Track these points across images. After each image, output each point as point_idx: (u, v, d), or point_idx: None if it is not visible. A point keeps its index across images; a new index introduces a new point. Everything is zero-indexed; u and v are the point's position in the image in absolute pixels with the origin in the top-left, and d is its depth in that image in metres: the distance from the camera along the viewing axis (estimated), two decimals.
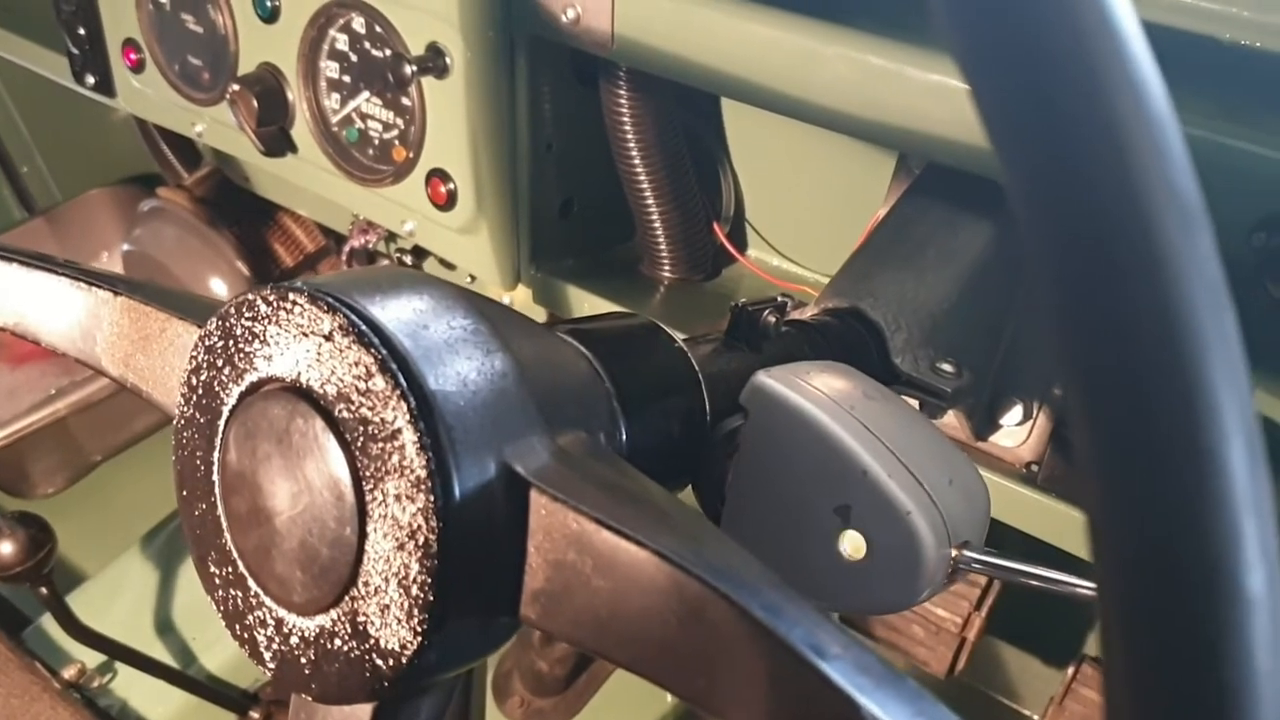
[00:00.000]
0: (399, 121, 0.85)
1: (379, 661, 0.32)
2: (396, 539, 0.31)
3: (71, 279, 0.44)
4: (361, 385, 0.31)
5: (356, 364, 0.31)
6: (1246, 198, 0.52)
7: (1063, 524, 0.69)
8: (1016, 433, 0.74)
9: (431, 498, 0.30)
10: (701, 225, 0.90)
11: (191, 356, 0.36)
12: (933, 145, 0.61)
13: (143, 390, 0.42)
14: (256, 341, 0.34)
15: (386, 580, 0.31)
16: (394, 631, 0.31)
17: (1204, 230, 0.19)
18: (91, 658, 1.22)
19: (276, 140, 0.92)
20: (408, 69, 0.77)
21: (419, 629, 0.31)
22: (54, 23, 1.09)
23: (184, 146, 1.45)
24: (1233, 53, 0.59)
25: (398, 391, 0.31)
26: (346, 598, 0.32)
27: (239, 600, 0.36)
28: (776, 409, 0.42)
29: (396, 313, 0.32)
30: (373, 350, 0.31)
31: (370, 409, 0.31)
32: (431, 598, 0.31)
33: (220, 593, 0.36)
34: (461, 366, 0.32)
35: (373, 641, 0.32)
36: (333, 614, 0.33)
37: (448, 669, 0.34)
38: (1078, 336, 0.20)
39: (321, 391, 0.32)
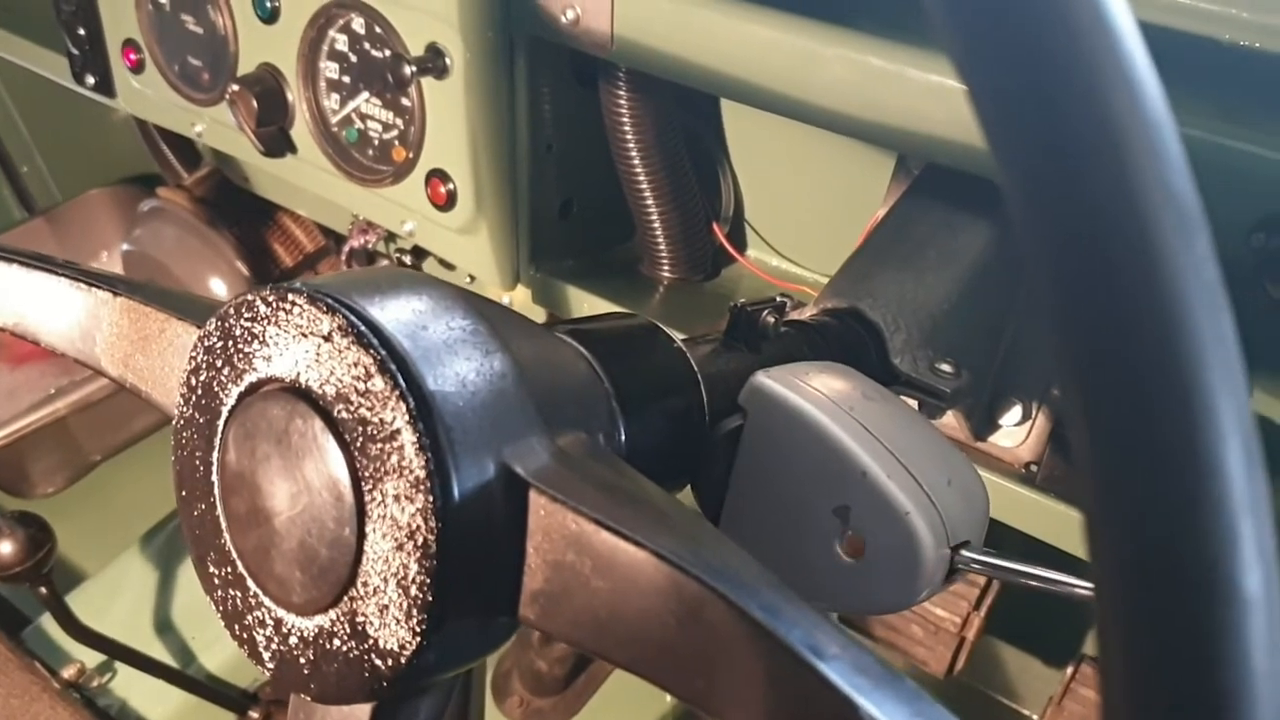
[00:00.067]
0: (399, 122, 0.85)
1: (378, 661, 0.32)
2: (395, 539, 0.31)
3: (71, 279, 0.44)
4: (360, 386, 0.31)
5: (355, 364, 0.31)
6: (1245, 198, 0.52)
7: (1061, 524, 0.69)
8: (1015, 433, 0.74)
9: (430, 498, 0.30)
10: (701, 225, 0.90)
11: (191, 357, 0.36)
12: (932, 146, 0.61)
13: (142, 390, 0.42)
14: (256, 342, 0.34)
15: (385, 580, 0.31)
16: (393, 632, 0.31)
17: (1201, 231, 0.19)
18: (91, 657, 1.22)
19: (276, 140, 0.92)
20: (407, 69, 0.77)
21: (418, 629, 0.31)
22: (54, 23, 1.09)
23: (184, 147, 1.45)
24: (1232, 53, 0.59)
25: (397, 392, 0.31)
26: (345, 598, 0.32)
27: (238, 600, 0.36)
28: (775, 409, 0.42)
29: (395, 313, 0.32)
30: (372, 351, 0.31)
31: (369, 409, 0.31)
32: (430, 598, 0.31)
33: (219, 593, 0.36)
34: (460, 367, 0.32)
35: (372, 642, 0.32)
36: (332, 614, 0.33)
37: (447, 669, 0.34)
38: (1074, 337, 0.20)
39: (320, 392, 0.32)
